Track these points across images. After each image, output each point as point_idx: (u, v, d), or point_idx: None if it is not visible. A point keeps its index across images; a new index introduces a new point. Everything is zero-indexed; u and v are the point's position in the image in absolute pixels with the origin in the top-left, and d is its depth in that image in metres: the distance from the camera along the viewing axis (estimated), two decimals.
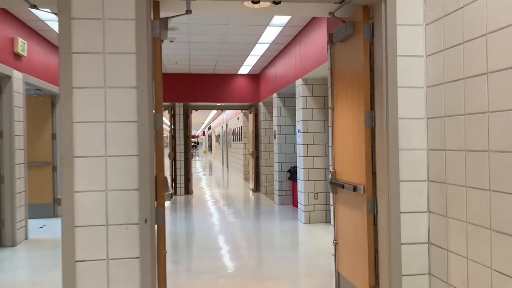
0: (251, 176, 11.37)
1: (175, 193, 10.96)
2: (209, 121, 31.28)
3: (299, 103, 6.99)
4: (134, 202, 2.59)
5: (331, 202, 3.93)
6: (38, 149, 7.51)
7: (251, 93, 11.02)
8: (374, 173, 3.08)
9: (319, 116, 6.91)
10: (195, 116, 25.40)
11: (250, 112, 11.49)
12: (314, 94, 6.92)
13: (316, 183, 6.87)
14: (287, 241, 5.77)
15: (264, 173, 10.63)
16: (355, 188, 3.12)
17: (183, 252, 5.29)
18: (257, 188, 11.25)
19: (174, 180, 10.98)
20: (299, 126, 7.02)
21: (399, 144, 2.86)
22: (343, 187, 3.35)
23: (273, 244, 5.61)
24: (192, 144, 79.53)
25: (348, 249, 3.45)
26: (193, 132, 61.09)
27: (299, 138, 6.98)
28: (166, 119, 20.47)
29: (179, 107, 10.92)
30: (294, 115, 8.89)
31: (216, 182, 14.31)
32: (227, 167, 20.92)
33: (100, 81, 2.58)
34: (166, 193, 2.92)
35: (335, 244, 3.74)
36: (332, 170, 3.68)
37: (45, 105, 7.57)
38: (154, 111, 2.81)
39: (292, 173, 8.45)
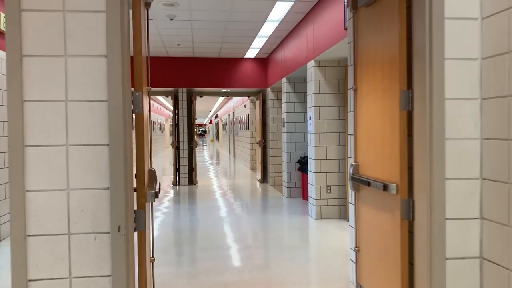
0: (258, 166, 10.79)
1: (178, 183, 10.42)
2: (216, 109, 30.70)
3: (311, 88, 6.35)
4: (104, 204, 2.01)
5: (351, 200, 3.33)
6: None
7: (259, 78, 10.39)
8: (410, 168, 2.46)
9: (333, 101, 6.27)
10: (202, 104, 24.81)
11: (257, 99, 10.86)
12: (328, 78, 6.27)
13: (328, 175, 6.27)
14: (297, 240, 5.19)
15: (272, 163, 10.04)
16: (385, 187, 2.51)
17: (181, 252, 4.74)
18: (264, 179, 10.67)
19: (177, 169, 10.44)
20: (310, 113, 6.39)
21: (445, 132, 2.24)
22: (368, 184, 2.74)
23: (282, 243, 5.03)
24: (199, 132, 79.01)
25: (374, 259, 2.85)
26: (201, 121, 60.54)
27: (311, 126, 6.36)
28: (169, 104, 19.87)
29: (182, 93, 10.33)
30: (305, 101, 8.25)
31: (222, 172, 13.77)
32: (234, 156, 20.37)
33: (59, 48, 1.98)
34: (150, 192, 2.33)
35: (357, 251, 3.15)
36: (354, 164, 3.07)
37: None
38: (133, 88, 2.21)
39: (302, 164, 7.84)
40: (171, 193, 9.12)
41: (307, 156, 7.91)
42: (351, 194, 3.31)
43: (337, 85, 6.30)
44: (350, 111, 3.37)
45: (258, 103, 10.73)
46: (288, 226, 5.88)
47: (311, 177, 6.38)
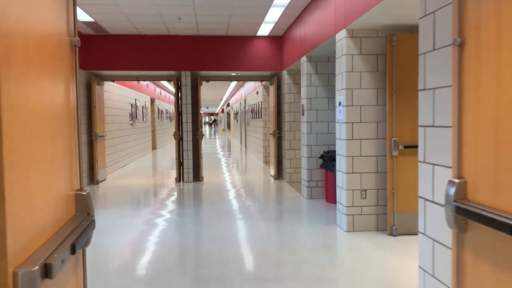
0: (272, 160, 9.50)
1: (182, 179, 9.19)
2: (227, 97, 29.41)
3: (341, 65, 5.01)
4: None
5: (451, 245, 2.01)
6: None
7: (273, 59, 9.04)
8: None
9: (371, 82, 4.92)
10: (212, 92, 23.52)
11: (271, 84, 9.52)
12: (364, 52, 4.91)
13: (364, 176, 4.94)
14: (327, 267, 3.90)
15: (288, 157, 8.73)
16: None
17: (171, 283, 3.49)
18: (279, 175, 9.38)
19: (181, 164, 9.20)
20: (340, 97, 5.05)
21: None
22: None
23: (306, 272, 3.75)
24: (210, 122, 78.45)
25: None
26: (212, 110, 59.34)
27: (341, 114, 5.03)
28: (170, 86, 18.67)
29: (186, 77, 9.04)
30: (329, 84, 6.90)
31: (232, 165, 12.51)
32: (245, 147, 19.11)
33: None
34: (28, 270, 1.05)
35: None
36: (457, 181, 1.75)
37: None
38: None
39: (326, 160, 6.53)
40: (172, 193, 7.88)
41: (331, 151, 6.59)
42: (451, 234, 1.99)
43: (375, 61, 4.93)
44: (449, 86, 2.04)
45: (272, 89, 9.40)
46: (313, 243, 4.59)
47: (341, 178, 5.06)
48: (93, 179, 9.00)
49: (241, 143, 22.00)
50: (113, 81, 9.88)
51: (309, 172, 6.91)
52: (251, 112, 15.87)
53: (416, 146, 4.73)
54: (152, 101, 18.93)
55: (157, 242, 4.65)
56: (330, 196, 6.60)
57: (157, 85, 19.73)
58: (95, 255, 4.23)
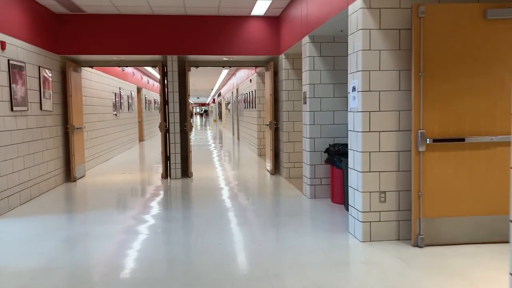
0: (269, 153, 8.67)
1: (169, 175, 8.33)
2: (218, 86, 28.42)
3: (356, 42, 4.17)
4: None
5: None
6: None
7: (269, 42, 8.16)
8: None
9: (392, 62, 4.09)
10: (203, 81, 22.55)
11: (267, 70, 8.66)
12: (384, 26, 4.07)
13: (383, 176, 4.14)
14: None
15: (286, 151, 7.92)
16: None
17: None
18: (276, 170, 8.56)
19: (167, 158, 8.34)
20: (354, 81, 4.22)
21: None
22: None
23: None
24: (201, 112, 77.63)
25: None
26: (203, 100, 58.24)
27: (355, 102, 4.20)
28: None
29: (173, 62, 8.13)
30: (334, 68, 6.06)
31: (224, 158, 11.66)
32: (238, 138, 18.25)
33: None
34: None
35: None
36: None
37: None
38: None
39: (332, 154, 5.72)
40: (158, 192, 7.02)
41: (338, 144, 5.78)
42: None
43: (397, 37, 4.10)
44: None
45: (268, 75, 8.53)
46: (322, 258, 3.78)
47: (355, 178, 4.25)
48: (69, 176, 8.10)
49: (233, 134, 21.14)
50: (91, 67, 8.93)
51: (312, 168, 6.10)
52: (244, 101, 15.00)
53: (450, 140, 3.93)
54: (139, 90, 17.94)
55: (136, 258, 3.81)
56: (337, 196, 5.80)
57: (144, 74, 18.73)
58: (49, 278, 3.38)
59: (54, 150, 7.46)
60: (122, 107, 13.56)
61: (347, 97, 6.10)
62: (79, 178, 8.31)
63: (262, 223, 4.91)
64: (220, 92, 32.09)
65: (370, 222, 4.16)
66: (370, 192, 4.14)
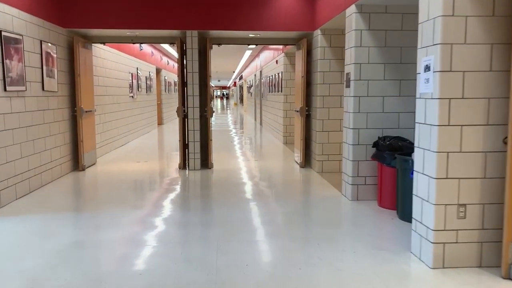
0: (298, 143, 7.70)
1: (187, 166, 7.47)
2: (240, 69, 27.38)
3: (435, 6, 3.12)
4: None
5: None
6: None
7: (302, 16, 7.10)
8: None
9: (481, 34, 3.04)
10: (225, 62, 21.54)
11: (298, 48, 7.62)
12: None
13: (463, 183, 3.13)
14: None
15: (319, 141, 6.93)
16: None
17: None
18: (306, 162, 7.59)
19: (185, 147, 7.46)
20: (429, 57, 3.19)
21: None
22: None
23: None
24: (222, 95, 77.03)
25: None
26: (223, 83, 57.26)
27: (429, 85, 3.18)
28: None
29: (192, 39, 7.17)
30: (386, 44, 5.01)
31: (247, 146, 10.74)
32: (261, 123, 17.29)
33: None
34: None
35: None
36: None
37: None
38: None
39: (382, 149, 4.72)
40: (173, 186, 6.16)
41: (389, 137, 4.79)
42: None
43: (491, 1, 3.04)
44: None
45: (300, 54, 7.50)
46: None
47: (425, 185, 3.26)
48: (77, 164, 7.32)
49: (255, 119, 20.19)
50: (103, 43, 8.06)
51: (354, 164, 5.11)
52: (269, 85, 13.98)
53: None
54: (158, 71, 17.10)
55: (140, 285, 2.94)
56: (386, 199, 4.81)
57: (164, 54, 17.86)
58: None
59: (59, 136, 6.66)
60: (140, 89, 12.74)
61: (400, 80, 5.06)
62: (88, 167, 7.53)
63: (297, 234, 3.98)
64: (242, 75, 31.06)
65: (443, 243, 3.18)
66: (445, 204, 3.15)
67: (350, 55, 5.12)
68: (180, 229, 4.13)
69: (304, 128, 7.41)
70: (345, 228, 4.18)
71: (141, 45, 12.76)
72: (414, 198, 3.45)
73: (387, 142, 4.71)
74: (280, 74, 11.45)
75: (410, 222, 4.26)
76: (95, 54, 8.33)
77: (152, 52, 14.88)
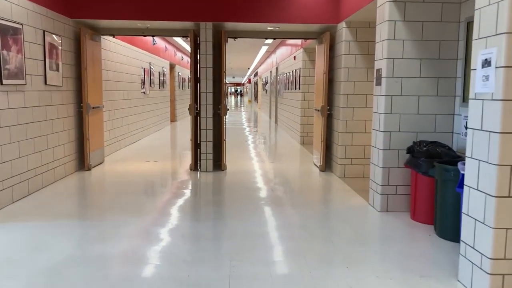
0: (318, 145, 7.16)
1: (198, 167, 6.99)
2: (256, 65, 26.86)
3: None
4: None
5: None
6: None
7: (325, 8, 6.55)
8: None
9: None
10: (240, 59, 21.04)
11: (320, 42, 7.08)
12: None
13: None
14: None
15: (342, 143, 6.40)
16: None
17: None
18: (326, 166, 7.05)
19: (197, 147, 6.99)
20: (490, 50, 2.64)
21: None
22: None
23: None
24: (236, 92, 76.64)
25: None
26: (238, 80, 56.80)
27: (489, 83, 2.62)
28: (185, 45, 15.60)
29: (206, 31, 6.69)
30: (422, 38, 4.44)
31: (261, 145, 10.24)
32: (276, 122, 16.76)
33: None
34: None
35: None
36: None
37: None
38: None
39: (418, 156, 4.17)
40: (183, 190, 5.69)
41: (425, 142, 4.24)
42: None
43: None
44: None
45: (322, 49, 6.96)
46: None
47: (480, 203, 2.71)
48: (83, 163, 6.91)
49: (270, 117, 19.66)
50: (112, 35, 7.63)
51: (385, 172, 4.56)
52: (285, 82, 13.43)
53: None
54: (172, 67, 16.69)
55: None
56: (421, 212, 4.26)
57: (178, 49, 17.45)
58: None
59: (64, 133, 6.25)
60: (152, 85, 12.33)
61: (438, 78, 4.49)
62: (95, 166, 7.11)
63: (321, 253, 3.47)
64: (257, 72, 30.55)
65: (503, 275, 2.63)
66: (507, 228, 2.60)
67: (381, 49, 4.56)
68: (188, 243, 3.65)
69: (325, 129, 6.87)
70: (377, 246, 3.65)
71: (154, 39, 12.34)
72: (464, 218, 2.90)
73: (424, 148, 4.15)
74: (298, 71, 10.90)
75: (451, 240, 3.72)
76: (104, 47, 7.91)
77: (165, 47, 14.46)
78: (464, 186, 2.92)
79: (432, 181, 4.09)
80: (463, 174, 3.20)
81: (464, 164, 3.21)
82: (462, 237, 2.93)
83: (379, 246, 3.67)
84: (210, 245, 3.62)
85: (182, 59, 18.79)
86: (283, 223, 4.24)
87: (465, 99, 4.23)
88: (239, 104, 41.04)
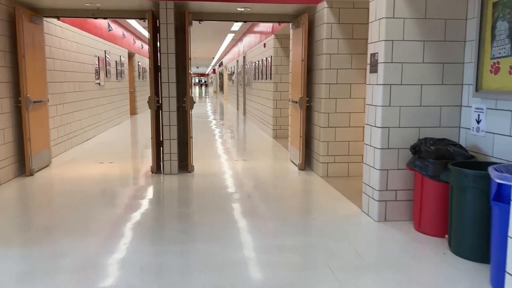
0: (296, 141, 6.43)
1: (161, 170, 6.10)
2: (220, 55, 25.82)
3: None
4: None
5: None
6: None
7: None
8: None
9: None
10: (203, 48, 19.96)
11: (296, 26, 6.32)
12: None
13: None
14: None
15: (324, 139, 5.69)
16: None
17: None
18: (306, 164, 6.34)
19: (160, 145, 6.09)
20: None
21: None
22: None
23: None
24: (200, 83, 75.29)
25: None
26: (202, 70, 55.41)
27: None
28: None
29: (167, 11, 5.77)
30: (426, 16, 3.75)
31: (230, 140, 9.42)
32: (244, 113, 15.95)
33: None
34: None
35: None
36: None
37: None
38: None
39: (424, 156, 3.50)
40: (141, 200, 4.80)
41: (431, 139, 3.58)
42: None
43: None
44: None
45: (298, 33, 6.19)
46: None
47: None
48: (24, 167, 5.87)
49: (237, 109, 18.83)
50: (57, 17, 6.56)
51: (383, 174, 3.87)
52: (255, 71, 12.62)
53: None
54: (131, 56, 15.51)
55: None
56: (427, 222, 3.60)
57: (137, 37, 16.25)
58: None
59: None
60: (109, 75, 11.21)
61: (443, 64, 3.83)
62: (39, 170, 6.09)
63: (316, 283, 2.72)
64: (222, 61, 29.52)
65: None
66: None
67: (378, 29, 3.84)
68: (148, 280, 2.81)
69: (304, 123, 6.14)
70: (384, 272, 2.94)
71: (110, 25, 11.20)
72: (511, 242, 2.23)
73: (432, 147, 3.48)
74: (269, 59, 10.11)
75: (470, 259, 3.08)
76: (49, 32, 6.82)
77: (123, 34, 13.30)
78: (500, 199, 2.24)
79: (442, 186, 3.43)
80: (500, 184, 2.53)
81: (499, 170, 2.54)
82: (508, 268, 2.26)
83: (385, 271, 2.96)
84: (177, 282, 2.79)
85: (142, 48, 17.58)
86: (267, 244, 3.46)
87: (478, 88, 3.58)
88: (203, 95, 39.86)
